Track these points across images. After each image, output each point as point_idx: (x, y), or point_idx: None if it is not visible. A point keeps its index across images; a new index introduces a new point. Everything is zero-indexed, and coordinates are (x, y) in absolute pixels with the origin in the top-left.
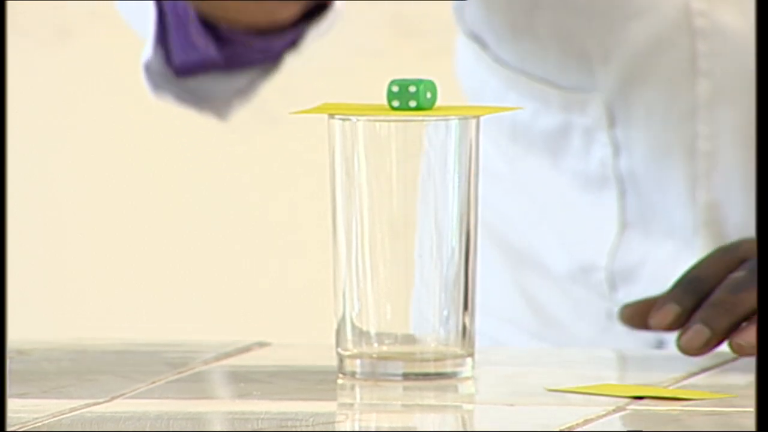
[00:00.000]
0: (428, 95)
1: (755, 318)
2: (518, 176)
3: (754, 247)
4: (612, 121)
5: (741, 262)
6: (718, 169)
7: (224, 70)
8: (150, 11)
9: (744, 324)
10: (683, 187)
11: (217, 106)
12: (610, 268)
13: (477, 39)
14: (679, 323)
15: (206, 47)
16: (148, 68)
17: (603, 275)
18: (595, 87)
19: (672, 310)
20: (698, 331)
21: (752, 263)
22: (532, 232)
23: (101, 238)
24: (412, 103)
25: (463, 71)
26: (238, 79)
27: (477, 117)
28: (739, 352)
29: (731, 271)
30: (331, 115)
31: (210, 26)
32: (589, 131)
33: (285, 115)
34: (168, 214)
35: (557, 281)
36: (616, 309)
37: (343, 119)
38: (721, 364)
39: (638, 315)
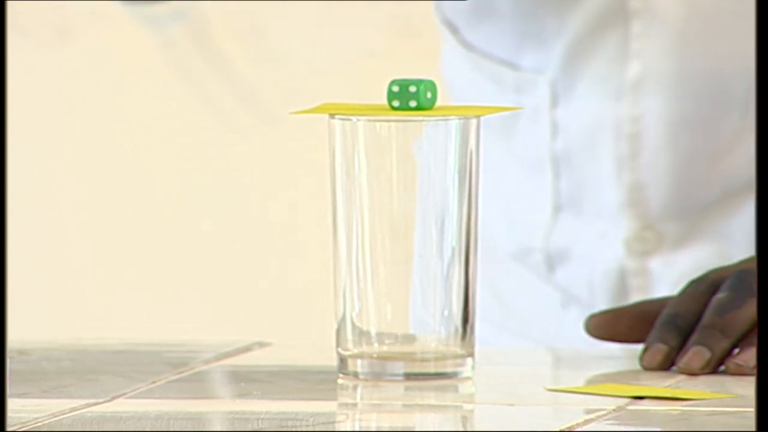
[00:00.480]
0: (428, 95)
1: (749, 338)
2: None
3: (722, 273)
4: (555, 101)
5: (714, 289)
6: (643, 151)
7: None
8: None
9: (736, 350)
10: (610, 168)
11: None
12: (545, 249)
13: (450, 25)
14: (669, 362)
15: None
16: None
17: (540, 257)
18: (545, 67)
19: (660, 350)
20: (697, 352)
21: (729, 281)
22: (488, 215)
23: (101, 238)
24: (413, 103)
25: (442, 62)
26: None
27: (477, 117)
28: (737, 372)
29: (707, 300)
30: (332, 115)
31: None
32: (535, 112)
33: (285, 115)
34: (168, 215)
35: (509, 266)
36: (561, 295)
37: (344, 119)
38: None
39: (603, 325)
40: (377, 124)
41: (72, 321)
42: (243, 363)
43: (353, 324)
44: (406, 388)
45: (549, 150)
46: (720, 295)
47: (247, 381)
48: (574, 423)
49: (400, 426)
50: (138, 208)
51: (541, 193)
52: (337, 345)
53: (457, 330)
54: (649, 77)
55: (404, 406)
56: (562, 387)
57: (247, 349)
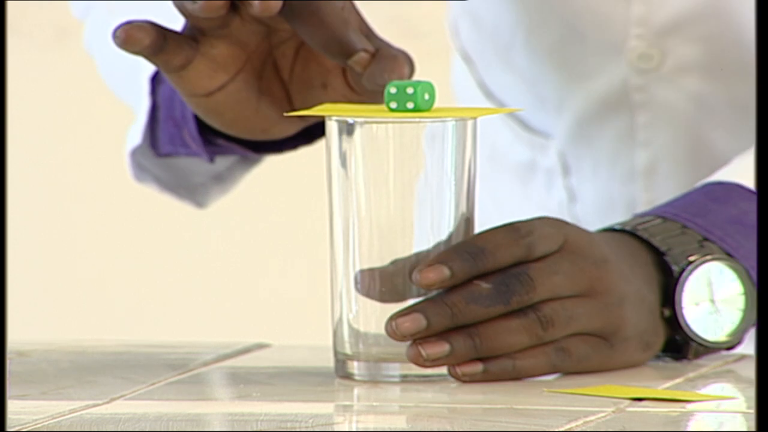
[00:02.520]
0: (426, 97)
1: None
2: (492, 195)
3: (548, 235)
4: (566, 170)
5: (528, 248)
6: None
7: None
8: (142, 98)
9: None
10: None
11: (196, 192)
12: None
13: (468, 60)
14: (442, 287)
15: (197, 148)
16: (134, 154)
17: None
18: (553, 135)
19: (442, 272)
20: (416, 320)
21: (505, 277)
22: None
23: (101, 239)
24: (410, 105)
25: (456, 82)
26: (218, 164)
27: (474, 118)
28: (392, 336)
29: (517, 256)
30: (329, 117)
31: (204, 133)
32: (550, 174)
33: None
34: (168, 216)
35: None
36: None
37: (341, 120)
38: (719, 366)
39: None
40: (375, 125)
41: (71, 322)
42: (242, 364)
43: (350, 326)
44: (404, 390)
45: (569, 212)
46: (484, 285)
47: (246, 382)
48: (574, 424)
49: (398, 427)
50: (138, 209)
51: None
52: (335, 347)
53: None
54: (660, 165)
55: (401, 407)
56: (562, 387)
57: (246, 350)
